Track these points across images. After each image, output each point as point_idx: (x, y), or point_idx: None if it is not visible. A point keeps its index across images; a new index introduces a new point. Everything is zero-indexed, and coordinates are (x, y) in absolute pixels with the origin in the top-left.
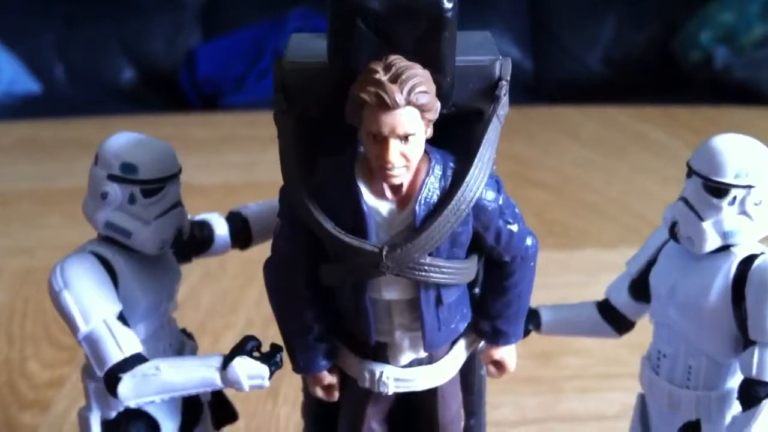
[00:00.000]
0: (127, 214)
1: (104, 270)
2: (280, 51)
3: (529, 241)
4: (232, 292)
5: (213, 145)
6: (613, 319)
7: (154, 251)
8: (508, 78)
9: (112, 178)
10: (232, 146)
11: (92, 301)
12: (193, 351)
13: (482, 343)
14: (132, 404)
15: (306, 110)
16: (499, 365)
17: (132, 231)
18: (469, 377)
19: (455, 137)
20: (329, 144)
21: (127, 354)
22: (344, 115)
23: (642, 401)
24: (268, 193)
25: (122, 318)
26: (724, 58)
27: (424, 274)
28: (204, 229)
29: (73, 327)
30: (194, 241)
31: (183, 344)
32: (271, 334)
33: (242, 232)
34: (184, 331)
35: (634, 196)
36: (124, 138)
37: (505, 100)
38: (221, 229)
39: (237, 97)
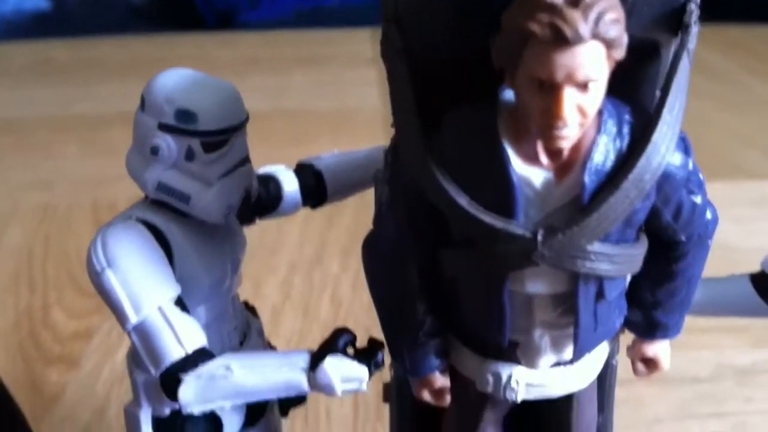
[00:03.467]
0: (184, 174)
1: (156, 243)
2: None
3: (709, 215)
4: (270, 232)
5: (235, 67)
6: None
7: (218, 219)
8: (699, 0)
9: (164, 128)
10: (256, 68)
11: (144, 283)
12: (259, 331)
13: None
14: (196, 411)
15: (427, 48)
16: (650, 363)
17: (191, 195)
18: (600, 371)
19: (619, 81)
20: (458, 94)
21: (189, 350)
22: (476, 54)
23: None
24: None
25: (181, 303)
26: None
27: (589, 264)
28: (270, 185)
29: (120, 316)
30: (259, 201)
31: (248, 325)
32: (316, 278)
33: (315, 189)
34: (246, 305)
35: (691, 123)
36: (178, 76)
37: (695, 30)
38: (290, 185)
39: (252, 14)
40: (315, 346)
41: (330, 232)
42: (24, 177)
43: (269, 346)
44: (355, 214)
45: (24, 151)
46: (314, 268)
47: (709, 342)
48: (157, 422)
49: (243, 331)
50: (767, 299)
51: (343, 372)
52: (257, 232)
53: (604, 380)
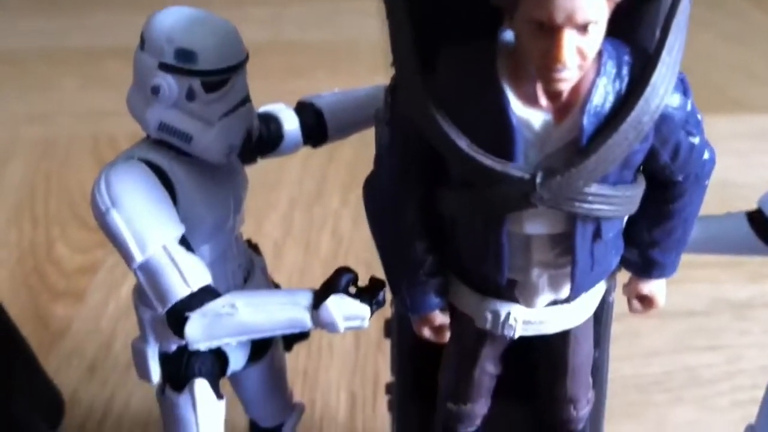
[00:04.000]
0: (185, 114)
1: (159, 182)
2: None
3: (707, 155)
4: (271, 168)
5: None
6: (766, 233)
7: (220, 159)
8: None
9: (164, 67)
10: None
11: (148, 222)
12: (263, 269)
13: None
14: (202, 347)
15: None
16: (646, 300)
17: (193, 134)
18: (597, 307)
19: (618, 22)
20: (455, 32)
21: (195, 288)
22: None
23: None
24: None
25: (185, 242)
26: None
27: (587, 206)
28: (271, 124)
29: (126, 255)
30: (261, 140)
31: (252, 263)
32: (317, 213)
33: (316, 128)
34: (249, 243)
35: (692, 55)
36: (178, 15)
37: None
38: (291, 123)
39: None
40: (316, 282)
41: (330, 168)
42: (22, 110)
43: (273, 284)
44: (356, 150)
45: (21, 84)
46: (315, 204)
47: (705, 276)
48: (164, 357)
49: (247, 269)
50: (763, 237)
51: (345, 310)
52: (258, 168)
53: (601, 316)
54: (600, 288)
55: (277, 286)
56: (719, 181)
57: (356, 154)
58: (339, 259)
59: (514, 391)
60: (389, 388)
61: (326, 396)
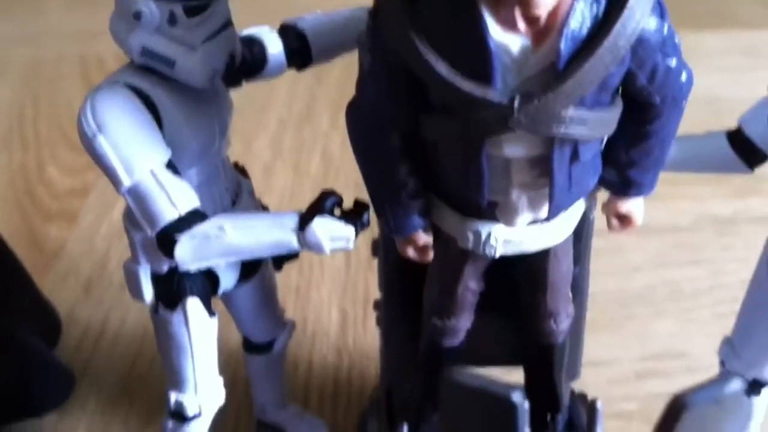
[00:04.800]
0: (168, 39)
1: (145, 107)
2: None
3: (684, 77)
4: (260, 89)
5: None
6: (746, 151)
7: (203, 83)
8: None
9: None
10: None
11: (135, 147)
12: (250, 192)
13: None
14: (192, 268)
15: None
16: (624, 219)
17: (176, 59)
18: (578, 224)
19: None
20: None
21: (183, 211)
22: None
23: None
24: None
25: (172, 166)
26: None
27: (564, 129)
28: (254, 47)
29: (113, 179)
30: (244, 64)
31: (239, 185)
32: (307, 135)
33: (299, 51)
34: (236, 165)
35: None
36: None
37: None
38: (274, 47)
39: None
40: (306, 203)
41: (319, 89)
42: (9, 31)
43: (261, 206)
44: (345, 70)
45: (7, 4)
46: (304, 125)
47: (690, 192)
48: (156, 278)
49: (234, 191)
50: (743, 156)
51: (331, 232)
52: (246, 90)
53: (581, 234)
54: (579, 207)
55: (265, 209)
56: (709, 97)
57: (345, 75)
58: (329, 180)
59: (497, 305)
60: (377, 305)
61: (318, 313)
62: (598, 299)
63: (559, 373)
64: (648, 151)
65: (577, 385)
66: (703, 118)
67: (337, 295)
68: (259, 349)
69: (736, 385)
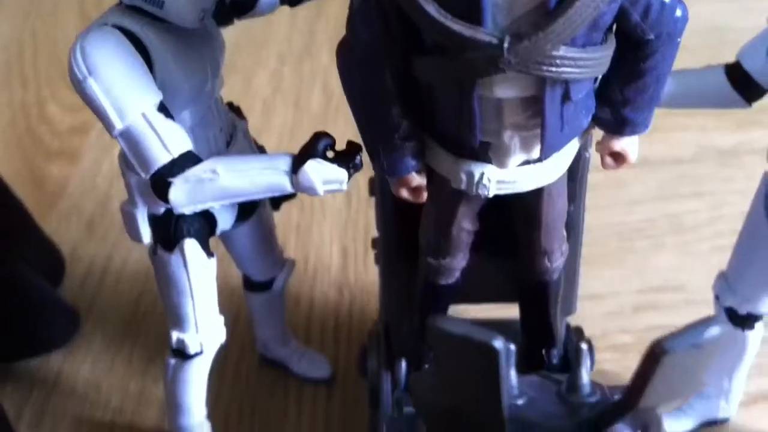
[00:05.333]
0: None
1: (134, 49)
2: None
3: (679, 12)
4: (258, 24)
5: None
6: (744, 86)
7: (193, 23)
8: None
9: None
10: None
11: (126, 90)
12: (245, 132)
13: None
14: (187, 211)
15: None
16: (618, 157)
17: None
18: (572, 162)
19: None
20: None
21: (176, 154)
22: None
23: None
24: None
25: (164, 109)
26: None
27: (554, 69)
28: None
29: (105, 123)
30: (235, 2)
31: (234, 126)
32: (306, 70)
33: None
34: (231, 106)
35: None
36: None
37: None
38: None
39: None
40: (306, 140)
41: (318, 24)
42: None
43: (257, 147)
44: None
45: None
46: (304, 60)
47: (692, 124)
48: (153, 219)
49: (229, 132)
50: (740, 91)
51: (323, 175)
52: (245, 25)
53: (576, 172)
54: (573, 147)
55: (261, 149)
56: (713, 27)
57: (345, 9)
58: (329, 116)
59: (492, 244)
60: (375, 243)
61: (319, 250)
62: (597, 233)
63: (553, 309)
64: (643, 90)
65: (574, 319)
66: (708, 48)
67: (337, 232)
68: (258, 287)
69: (715, 330)
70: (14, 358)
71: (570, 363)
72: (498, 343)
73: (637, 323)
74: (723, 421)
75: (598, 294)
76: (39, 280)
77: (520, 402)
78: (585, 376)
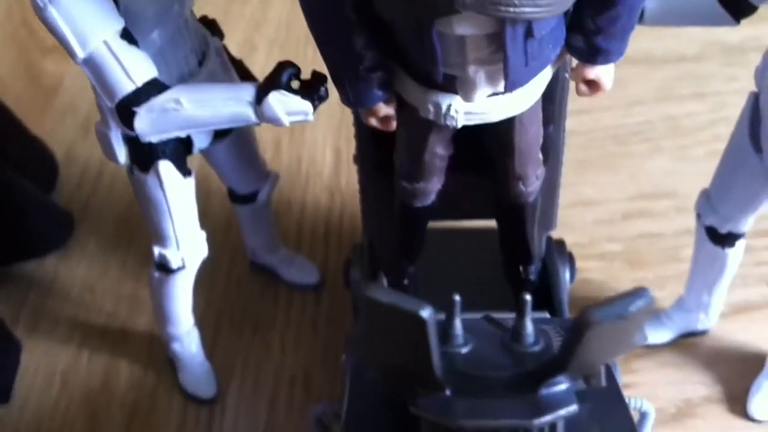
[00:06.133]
0: None
1: None
2: None
3: None
4: None
5: None
6: (732, 3)
7: None
8: None
9: None
10: None
11: (87, 17)
12: (218, 50)
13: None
14: (154, 139)
15: None
16: (592, 84)
17: None
18: (549, 85)
19: None
20: None
21: (139, 83)
22: None
23: (755, 102)
24: None
25: (127, 35)
26: None
27: (513, 9)
28: None
29: (68, 50)
30: None
31: (207, 44)
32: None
33: None
34: (204, 21)
35: None
36: None
37: None
38: None
39: None
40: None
41: None
42: None
43: (233, 62)
44: None
45: None
46: None
47: None
48: (128, 140)
49: (201, 51)
50: (728, 7)
51: (287, 106)
52: None
53: (554, 95)
54: (544, 75)
55: (237, 64)
56: None
57: None
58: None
59: (467, 165)
60: (356, 159)
61: (312, 152)
62: (593, 135)
63: (530, 228)
64: (615, 18)
65: (562, 226)
66: None
67: (331, 133)
68: (243, 199)
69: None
70: (7, 262)
71: (550, 275)
72: (425, 313)
73: (626, 231)
74: (702, 333)
75: (589, 200)
76: (28, 184)
77: (463, 351)
78: (529, 326)
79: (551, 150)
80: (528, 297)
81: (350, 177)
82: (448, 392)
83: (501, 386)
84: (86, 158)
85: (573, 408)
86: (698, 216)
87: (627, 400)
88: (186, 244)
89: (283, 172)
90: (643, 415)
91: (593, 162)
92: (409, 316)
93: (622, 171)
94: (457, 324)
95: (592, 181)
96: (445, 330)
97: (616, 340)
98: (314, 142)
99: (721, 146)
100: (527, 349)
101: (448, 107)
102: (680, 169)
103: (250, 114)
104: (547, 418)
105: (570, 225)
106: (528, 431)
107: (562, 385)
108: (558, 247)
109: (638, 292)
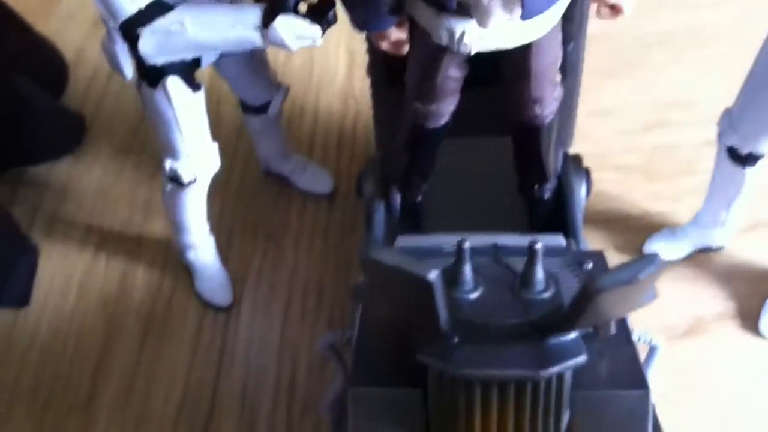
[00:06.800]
0: None
1: None
2: None
3: None
4: None
5: None
6: None
7: None
8: None
9: None
10: None
11: None
12: None
13: None
14: (159, 62)
15: None
16: (614, 8)
17: None
18: (569, 4)
19: None
20: None
21: (143, 4)
22: None
23: None
24: None
25: None
26: None
27: None
28: None
29: None
30: None
31: None
32: None
33: None
34: None
35: None
36: None
37: None
38: None
39: None
40: None
41: None
42: None
43: None
44: None
45: None
46: None
47: None
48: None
49: None
50: None
51: (295, 30)
52: None
53: (573, 13)
54: (561, 3)
55: None
56: None
57: None
58: None
59: (482, 88)
60: (368, 71)
61: (325, 55)
62: (615, 42)
63: (546, 148)
64: None
65: (580, 136)
66: None
67: (345, 34)
68: (254, 110)
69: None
70: (18, 164)
71: (565, 191)
72: (432, 275)
73: (645, 143)
74: (718, 249)
75: (609, 110)
76: (36, 89)
77: (471, 297)
78: (539, 273)
79: (570, 69)
80: (539, 246)
81: (365, 82)
82: (455, 339)
83: (508, 335)
84: (97, 60)
85: (582, 359)
86: (719, 136)
87: (635, 336)
88: (197, 158)
89: (295, 76)
90: (652, 350)
91: (614, 69)
92: (415, 278)
93: (642, 79)
94: (467, 270)
95: (612, 89)
96: (454, 274)
97: (626, 300)
98: (327, 42)
99: (745, 56)
100: (536, 297)
101: (462, 34)
102: (702, 80)
103: (256, 38)
104: (554, 369)
105: (588, 135)
106: (535, 381)
107: (570, 334)
108: (575, 163)
109: (648, 258)
